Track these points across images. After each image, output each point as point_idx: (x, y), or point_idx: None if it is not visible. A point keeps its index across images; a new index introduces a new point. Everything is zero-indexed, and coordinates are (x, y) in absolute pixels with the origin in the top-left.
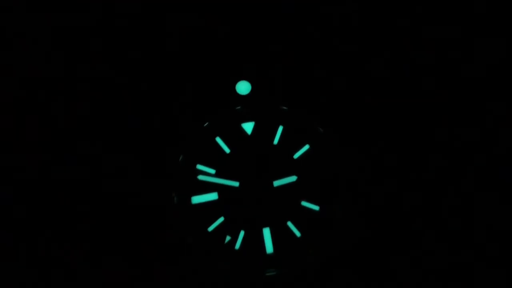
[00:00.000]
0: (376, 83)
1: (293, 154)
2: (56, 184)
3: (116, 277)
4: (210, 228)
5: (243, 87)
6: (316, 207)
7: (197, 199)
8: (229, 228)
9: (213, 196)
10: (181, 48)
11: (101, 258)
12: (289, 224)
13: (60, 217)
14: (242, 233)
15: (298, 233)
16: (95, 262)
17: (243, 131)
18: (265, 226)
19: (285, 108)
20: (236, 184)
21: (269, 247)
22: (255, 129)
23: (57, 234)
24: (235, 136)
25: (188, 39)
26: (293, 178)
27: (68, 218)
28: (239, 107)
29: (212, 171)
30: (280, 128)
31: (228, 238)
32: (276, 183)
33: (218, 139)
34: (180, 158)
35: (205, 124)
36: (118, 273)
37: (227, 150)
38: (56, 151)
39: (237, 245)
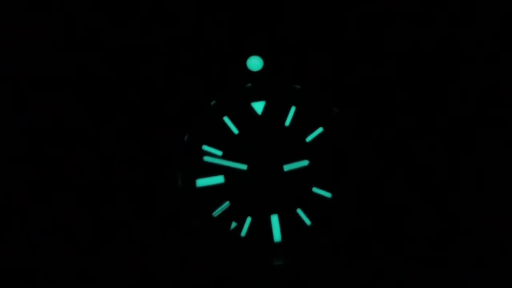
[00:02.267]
0: (398, 61)
1: (306, 137)
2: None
3: (117, 261)
4: (215, 213)
5: (254, 63)
6: (328, 194)
7: (202, 182)
8: (235, 213)
9: (219, 179)
10: (190, 19)
11: (102, 243)
12: (299, 211)
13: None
14: (248, 220)
15: (308, 221)
16: (95, 246)
17: (253, 111)
18: (274, 213)
19: (298, 87)
20: (244, 167)
21: (277, 235)
22: (265, 109)
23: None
24: (244, 116)
25: (198, 9)
26: (304, 163)
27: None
28: (249, 85)
29: (219, 152)
30: (293, 109)
31: (234, 224)
32: (287, 167)
33: (226, 119)
34: (185, 138)
35: (212, 102)
36: (119, 257)
37: (235, 130)
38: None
39: (243, 232)
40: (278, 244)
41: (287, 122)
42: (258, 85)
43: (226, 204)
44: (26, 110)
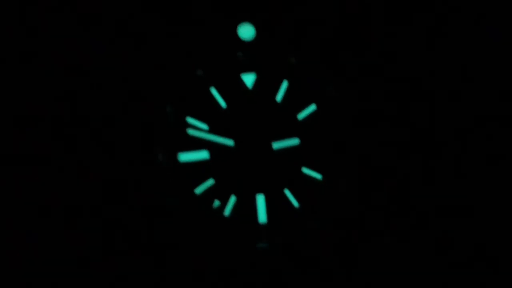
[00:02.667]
0: (400, 45)
1: (298, 114)
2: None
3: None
4: (198, 191)
5: (246, 31)
6: (318, 176)
7: (185, 157)
8: (219, 192)
9: (203, 154)
10: None
11: (79, 223)
12: (287, 192)
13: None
14: (233, 199)
15: (296, 203)
16: (74, 227)
17: (242, 83)
18: (260, 192)
19: (293, 60)
20: (230, 142)
21: (262, 216)
22: (256, 82)
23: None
24: (233, 88)
25: None
26: (295, 141)
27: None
28: (239, 54)
29: (205, 126)
30: (285, 83)
31: (217, 203)
32: (276, 145)
33: (213, 90)
34: (168, 108)
35: (199, 72)
36: (95, 238)
37: (223, 103)
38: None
39: (227, 212)
40: (263, 225)
41: (279, 97)
42: (249, 55)
43: (211, 181)
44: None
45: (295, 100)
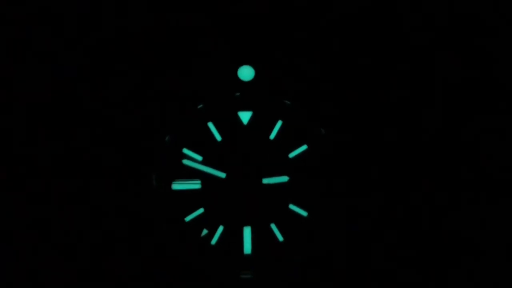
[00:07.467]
0: (393, 87)
1: (289, 153)
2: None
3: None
4: (188, 218)
5: (246, 73)
6: (304, 213)
7: (178, 185)
8: (208, 221)
9: (195, 184)
10: (188, 21)
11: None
12: (273, 226)
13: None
14: (221, 229)
15: (281, 237)
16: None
17: (238, 120)
18: (247, 224)
19: (288, 102)
20: (222, 175)
21: (247, 248)
22: (252, 119)
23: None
24: (229, 124)
25: (196, 12)
26: (284, 178)
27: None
28: (238, 93)
29: (199, 157)
30: (279, 123)
31: (205, 231)
32: (266, 181)
33: (211, 125)
34: (167, 138)
35: (199, 106)
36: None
37: (218, 137)
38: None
39: (214, 241)
40: (247, 256)
41: (272, 135)
42: (247, 95)
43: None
44: None
45: (287, 140)
